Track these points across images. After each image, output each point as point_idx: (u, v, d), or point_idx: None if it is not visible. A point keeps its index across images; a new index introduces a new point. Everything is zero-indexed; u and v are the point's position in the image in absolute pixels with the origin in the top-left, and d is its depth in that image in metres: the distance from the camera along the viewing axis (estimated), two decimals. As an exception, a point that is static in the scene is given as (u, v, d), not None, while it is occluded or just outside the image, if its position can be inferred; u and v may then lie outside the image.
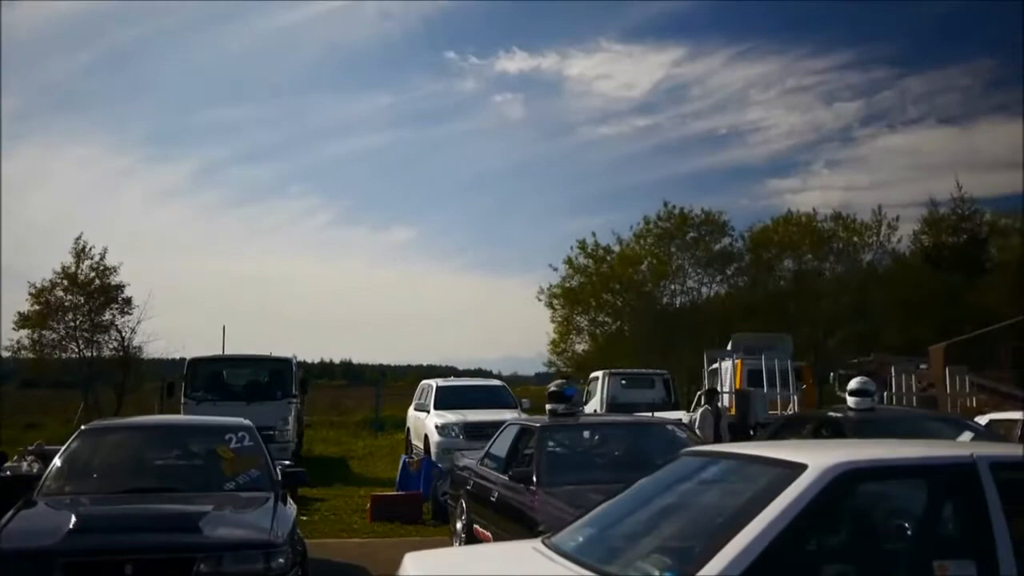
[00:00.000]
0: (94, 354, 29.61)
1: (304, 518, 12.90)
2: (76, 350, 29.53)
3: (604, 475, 7.74)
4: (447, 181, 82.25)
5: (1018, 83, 62.01)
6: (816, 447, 4.30)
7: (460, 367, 41.03)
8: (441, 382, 20.63)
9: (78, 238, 29.62)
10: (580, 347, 37.85)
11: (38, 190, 72.73)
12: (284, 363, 19.59)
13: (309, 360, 68.87)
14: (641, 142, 67.92)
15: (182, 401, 18.77)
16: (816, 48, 75.10)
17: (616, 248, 37.86)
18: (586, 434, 8.80)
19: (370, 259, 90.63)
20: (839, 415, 9.55)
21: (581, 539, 4.23)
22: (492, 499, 8.25)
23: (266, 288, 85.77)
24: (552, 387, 8.85)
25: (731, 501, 3.96)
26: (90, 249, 29.62)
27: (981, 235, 36.03)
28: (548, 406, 8.73)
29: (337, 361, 71.51)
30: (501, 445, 9.05)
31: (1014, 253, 34.45)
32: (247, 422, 8.36)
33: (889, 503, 4.03)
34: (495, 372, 43.12)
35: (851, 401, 9.64)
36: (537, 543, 4.36)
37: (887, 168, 61.60)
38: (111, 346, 29.97)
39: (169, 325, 67.26)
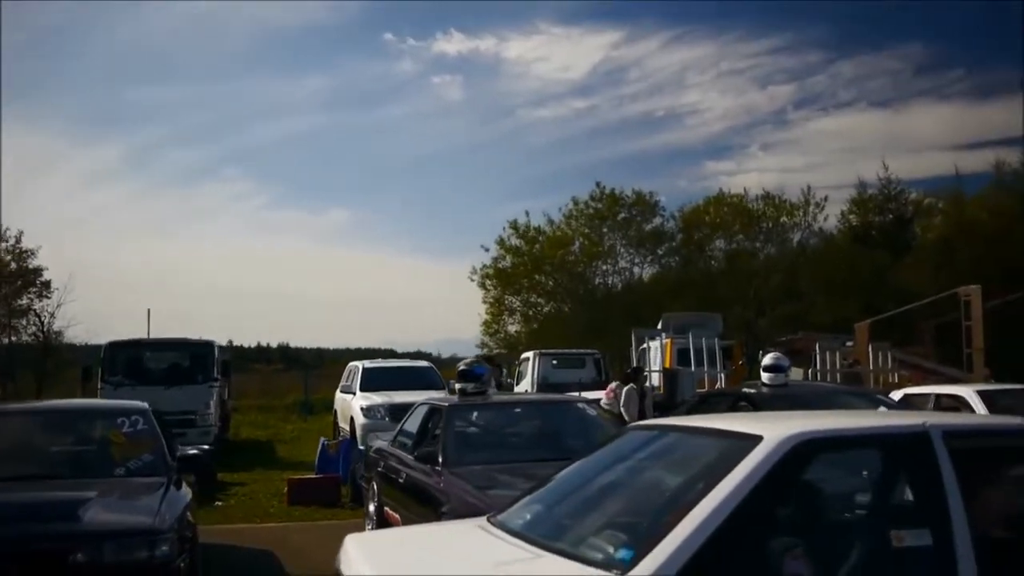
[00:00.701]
0: (11, 339, 28.80)
1: (220, 503, 12.67)
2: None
3: (512, 454, 7.63)
4: (386, 164, 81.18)
5: (945, 67, 63.17)
6: (769, 419, 4.23)
7: (400, 350, 40.80)
8: (368, 364, 20.35)
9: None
10: (513, 328, 37.81)
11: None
12: (205, 347, 19.17)
13: (245, 344, 68.02)
14: (580, 124, 67.61)
15: (99, 386, 18.30)
16: (749, 32, 75.26)
17: (547, 229, 37.84)
18: (494, 413, 8.63)
19: (309, 242, 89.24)
20: (753, 391, 9.53)
21: (529, 516, 4.10)
22: (400, 480, 8.06)
23: (201, 272, 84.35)
24: (462, 366, 8.66)
25: (684, 475, 3.87)
26: (5, 232, 28.79)
27: (907, 215, 36.61)
28: (457, 385, 8.55)
29: (274, 345, 70.80)
30: (412, 425, 8.86)
31: (937, 232, 35.09)
32: (142, 405, 8.05)
33: (844, 474, 4.00)
34: (434, 354, 43.01)
35: (765, 377, 9.63)
36: (483, 521, 4.22)
37: (820, 150, 62.18)
38: (30, 331, 29.19)
39: (99, 309, 65.86)
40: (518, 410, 8.87)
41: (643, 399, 15.35)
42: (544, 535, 3.71)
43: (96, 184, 74.62)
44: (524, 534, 3.78)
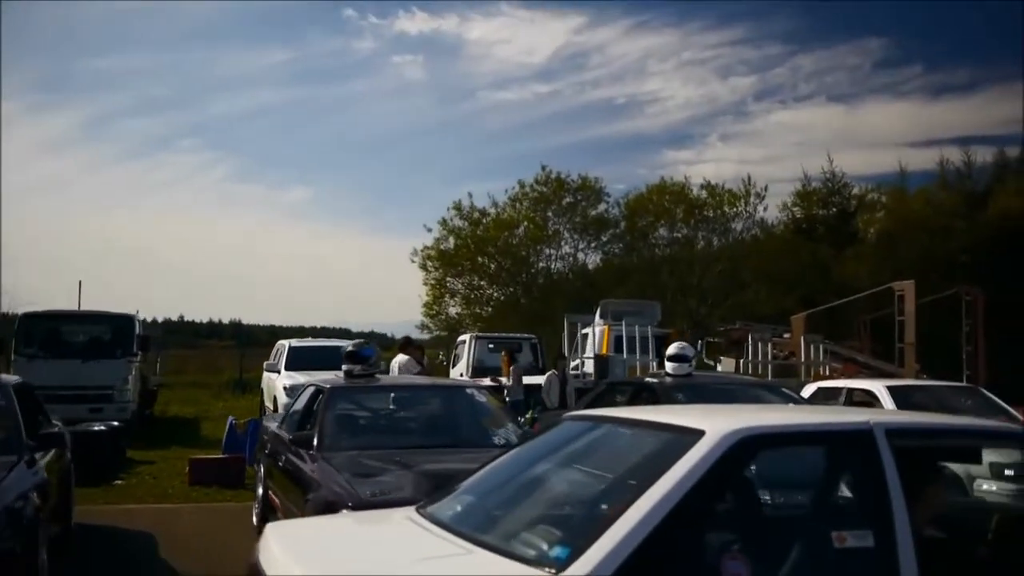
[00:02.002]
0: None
1: (120, 482, 12.26)
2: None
3: (392, 440, 7.35)
4: (345, 142, 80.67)
5: (903, 64, 63.57)
6: (710, 413, 4.04)
7: (355, 329, 40.28)
8: (295, 342, 20.06)
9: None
10: (454, 310, 37.36)
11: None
12: (125, 320, 18.61)
13: (197, 320, 67.25)
14: (540, 108, 67.39)
15: (12, 359, 17.73)
16: (712, 22, 75.48)
17: (492, 211, 37.39)
18: (379, 397, 8.32)
19: (266, 219, 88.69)
20: (655, 380, 9.32)
21: (459, 507, 3.95)
22: (280, 463, 7.74)
23: (155, 244, 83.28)
24: (349, 347, 8.33)
25: (623, 469, 3.79)
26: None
27: (850, 209, 36.72)
28: (344, 366, 8.23)
29: (226, 321, 70.04)
30: (298, 407, 8.54)
31: (879, 226, 35.26)
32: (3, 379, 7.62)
33: (786, 471, 3.93)
34: (389, 335, 42.54)
35: (669, 367, 9.43)
36: (411, 511, 4.03)
37: (778, 143, 62.38)
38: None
39: (42, 282, 64.65)
40: (404, 394, 8.56)
41: (564, 385, 15.14)
42: (475, 528, 3.55)
43: (50, 153, 73.31)
44: (454, 527, 3.60)
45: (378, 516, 4.49)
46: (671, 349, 9.76)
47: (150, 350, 19.55)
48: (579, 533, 3.11)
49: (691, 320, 33.47)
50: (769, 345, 21.19)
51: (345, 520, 4.37)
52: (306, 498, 6.20)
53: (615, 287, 32.14)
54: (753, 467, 3.56)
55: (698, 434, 3.29)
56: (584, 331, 23.63)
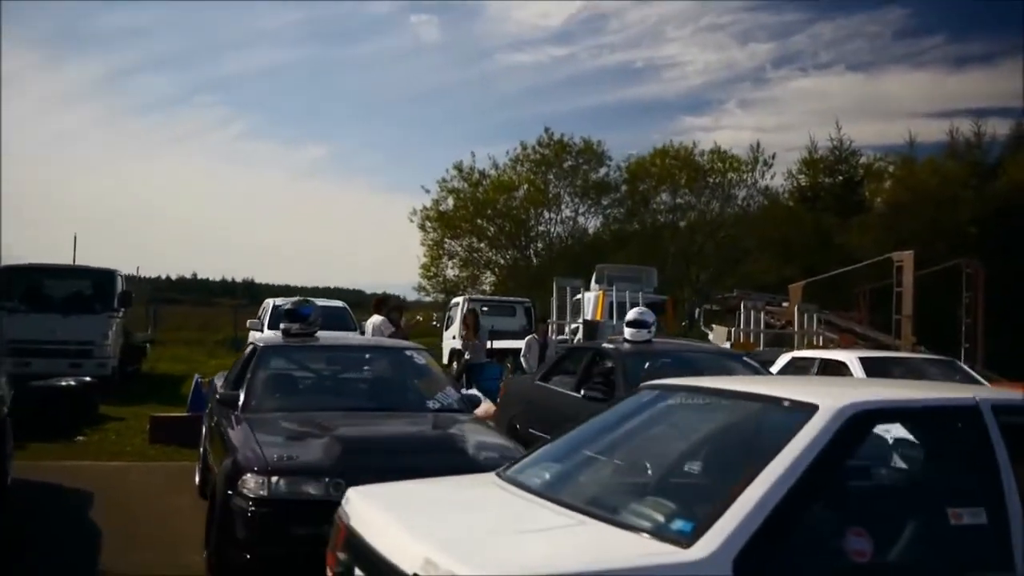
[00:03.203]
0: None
1: (82, 438, 12.05)
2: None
3: (320, 401, 7.08)
4: (361, 101, 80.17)
5: (923, 34, 62.49)
6: (813, 386, 4.03)
7: (368, 291, 40.11)
8: (279, 301, 19.80)
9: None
10: (451, 272, 37.06)
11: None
12: (106, 275, 18.42)
13: (212, 278, 67.31)
14: (556, 72, 66.66)
15: (-8, 312, 17.60)
16: (731, -14, 74.21)
17: (492, 173, 36.99)
18: (314, 357, 8.03)
19: (281, 178, 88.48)
20: (612, 345, 9.01)
21: (547, 475, 3.86)
22: (213, 423, 7.50)
23: (167, 201, 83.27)
24: (288, 304, 8.02)
25: (725, 441, 3.83)
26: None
27: (857, 178, 36.11)
28: (282, 325, 7.93)
29: (239, 280, 70.14)
30: (237, 365, 8.26)
31: (886, 196, 34.68)
32: None
33: (897, 448, 3.87)
34: (401, 296, 42.40)
35: (627, 332, 9.10)
36: (493, 477, 3.98)
37: (795, 111, 61.67)
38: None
39: (52, 238, 64.92)
40: (339, 355, 8.26)
41: (544, 349, 14.87)
42: (573, 497, 3.45)
43: (65, 107, 73.17)
44: (549, 495, 3.52)
45: (464, 482, 4.30)
46: (630, 315, 9.43)
47: (131, 306, 19.28)
48: (698, 507, 3.10)
49: (691, 287, 33.12)
50: (762, 314, 20.78)
51: (431, 486, 4.07)
52: (224, 460, 5.94)
53: (616, 252, 31.82)
54: (865, 441, 3.45)
55: (811, 408, 3.24)
56: (578, 296, 23.49)
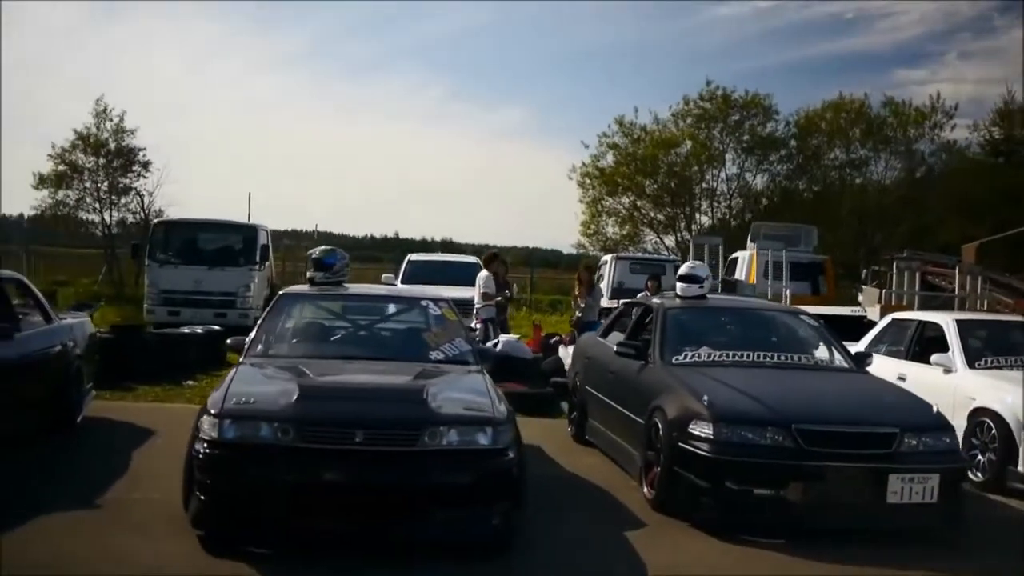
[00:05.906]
0: (113, 217, 30.13)
1: (191, 383, 12.58)
2: (96, 209, 30.06)
3: (321, 349, 7.07)
4: (557, 60, 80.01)
5: None
6: None
7: (545, 247, 40.58)
8: (414, 256, 20.18)
9: (99, 99, 29.88)
10: (611, 230, 36.47)
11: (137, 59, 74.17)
12: (251, 230, 19.37)
13: (412, 237, 69.71)
14: (761, 24, 63.87)
15: (146, 263, 18.79)
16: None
17: (654, 128, 35.83)
18: (334, 306, 8.03)
19: (478, 138, 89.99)
20: (660, 301, 8.51)
21: None
22: None
23: (366, 163, 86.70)
24: (315, 253, 7.99)
25: None
26: (110, 111, 29.88)
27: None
28: (308, 274, 7.92)
29: (438, 239, 71.95)
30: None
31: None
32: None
33: None
34: (564, 253, 42.72)
35: (679, 288, 8.57)
36: None
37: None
38: (131, 209, 30.36)
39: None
40: (357, 304, 8.20)
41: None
42: None
43: (273, 71, 77.28)
44: None
45: None
46: (682, 269, 8.89)
47: (269, 260, 20.05)
48: None
49: (865, 247, 31.27)
50: (917, 275, 19.32)
51: None
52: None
53: (783, 210, 30.53)
54: None
55: None
56: (735, 255, 22.81)
